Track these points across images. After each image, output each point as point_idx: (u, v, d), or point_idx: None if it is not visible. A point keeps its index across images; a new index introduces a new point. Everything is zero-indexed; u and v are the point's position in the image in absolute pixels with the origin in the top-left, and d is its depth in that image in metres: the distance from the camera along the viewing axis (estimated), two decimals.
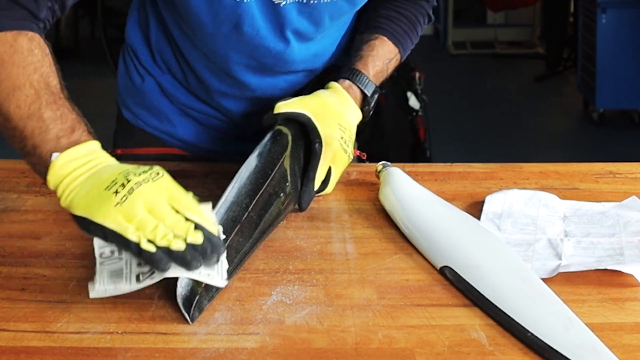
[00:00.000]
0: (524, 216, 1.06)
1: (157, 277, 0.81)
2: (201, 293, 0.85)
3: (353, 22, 1.26)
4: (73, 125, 0.89)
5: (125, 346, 0.79)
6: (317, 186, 1.10)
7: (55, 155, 0.86)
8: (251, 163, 1.01)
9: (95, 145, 0.89)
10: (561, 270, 0.92)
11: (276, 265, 0.95)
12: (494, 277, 0.90)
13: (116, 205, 0.79)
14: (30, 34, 0.94)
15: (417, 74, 3.25)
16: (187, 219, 0.81)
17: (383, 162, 1.15)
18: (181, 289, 0.83)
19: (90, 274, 0.92)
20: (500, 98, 5.06)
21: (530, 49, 6.27)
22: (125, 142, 1.33)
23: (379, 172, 1.14)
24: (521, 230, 1.03)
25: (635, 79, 4.26)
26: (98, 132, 0.92)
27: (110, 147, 1.32)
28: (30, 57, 0.92)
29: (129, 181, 0.81)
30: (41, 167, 0.87)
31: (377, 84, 1.19)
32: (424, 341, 0.80)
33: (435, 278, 0.93)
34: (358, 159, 1.32)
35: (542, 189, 1.15)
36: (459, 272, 0.91)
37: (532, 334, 0.80)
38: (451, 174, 1.23)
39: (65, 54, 5.47)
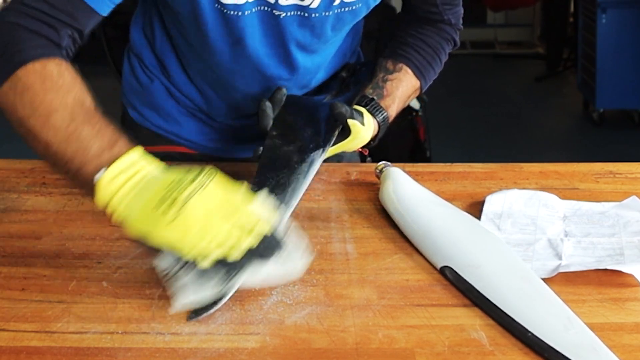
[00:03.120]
0: (524, 216, 1.06)
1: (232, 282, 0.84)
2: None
3: (358, 26, 1.26)
4: (112, 138, 0.87)
5: (125, 346, 0.79)
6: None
7: (99, 174, 0.83)
8: (317, 163, 1.05)
9: (137, 154, 0.86)
10: (561, 270, 0.92)
11: None
12: (494, 277, 0.90)
13: (167, 225, 0.79)
14: (57, 59, 0.94)
15: None
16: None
17: (383, 162, 1.16)
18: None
19: (89, 274, 0.92)
20: (500, 98, 5.06)
21: (530, 49, 6.27)
22: (131, 141, 1.33)
23: (379, 172, 1.14)
24: (521, 230, 1.03)
25: (635, 79, 4.25)
26: None
27: None
28: (60, 80, 0.91)
29: (177, 197, 0.80)
30: (88, 188, 0.84)
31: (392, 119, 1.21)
32: (424, 341, 0.80)
33: (435, 278, 0.93)
34: (360, 155, 1.33)
35: (542, 189, 1.15)
36: (459, 272, 0.91)
37: (532, 334, 0.80)
38: (451, 174, 1.23)
39: None
